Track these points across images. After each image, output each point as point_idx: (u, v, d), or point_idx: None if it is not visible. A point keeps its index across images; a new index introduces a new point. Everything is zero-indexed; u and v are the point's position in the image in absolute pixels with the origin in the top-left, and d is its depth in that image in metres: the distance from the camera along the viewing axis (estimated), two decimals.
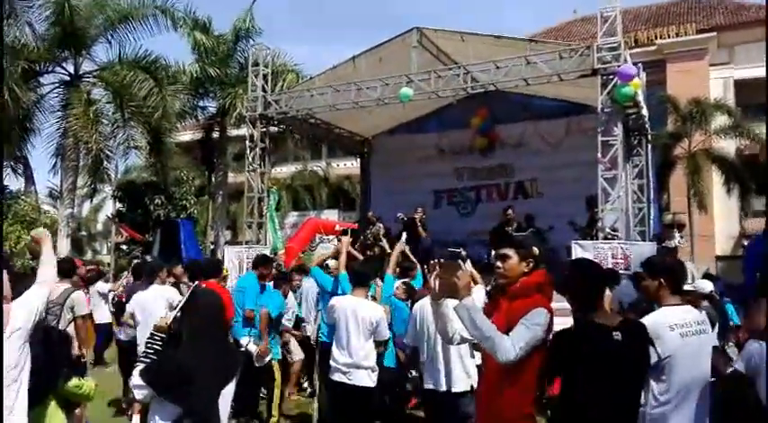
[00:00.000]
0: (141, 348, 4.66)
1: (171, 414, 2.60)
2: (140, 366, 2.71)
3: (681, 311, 3.16)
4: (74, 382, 3.41)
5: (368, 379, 4.85)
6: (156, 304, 6.01)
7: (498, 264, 2.98)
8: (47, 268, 3.23)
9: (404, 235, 7.76)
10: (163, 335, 2.84)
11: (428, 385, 4.56)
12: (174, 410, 2.59)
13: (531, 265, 2.94)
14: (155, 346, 2.82)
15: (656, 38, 20.21)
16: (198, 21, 18.72)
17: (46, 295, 3.04)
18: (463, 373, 4.38)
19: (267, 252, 11.59)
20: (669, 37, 20.08)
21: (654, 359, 2.94)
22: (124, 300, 7.29)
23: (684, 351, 3.01)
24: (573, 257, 9.48)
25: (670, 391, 2.99)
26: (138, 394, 2.64)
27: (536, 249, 3.00)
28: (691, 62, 19.41)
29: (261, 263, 6.81)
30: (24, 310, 2.82)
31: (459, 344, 3.33)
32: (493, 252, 3.08)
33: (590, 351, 2.69)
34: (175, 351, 2.72)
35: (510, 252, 2.94)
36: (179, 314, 2.82)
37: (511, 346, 2.63)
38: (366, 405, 4.96)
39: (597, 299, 2.85)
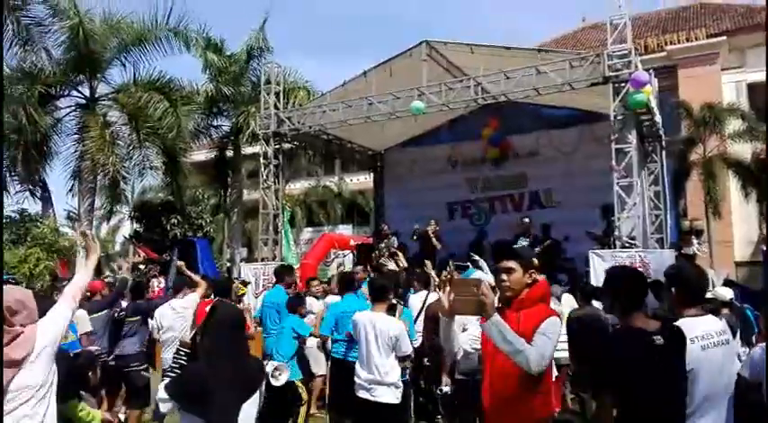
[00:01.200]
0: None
1: None
2: (166, 380, 2.75)
3: (702, 322, 3.02)
4: (75, 403, 3.39)
5: (391, 395, 4.80)
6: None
7: (503, 277, 3.01)
8: (74, 285, 3.14)
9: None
10: (187, 350, 2.89)
11: None
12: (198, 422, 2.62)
13: (534, 276, 3.01)
14: (180, 361, 2.87)
15: (666, 44, 20.12)
16: (210, 41, 18.99)
17: (70, 313, 3.00)
18: None
19: None
20: (679, 42, 20.00)
21: None
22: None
23: (706, 364, 2.91)
24: (591, 267, 9.44)
25: (692, 403, 2.91)
26: (163, 407, 2.71)
27: (535, 260, 3.09)
28: (702, 67, 19.29)
29: (285, 272, 6.90)
30: (50, 330, 2.82)
31: (459, 358, 3.39)
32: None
33: (632, 357, 2.69)
34: (195, 365, 2.76)
35: (514, 265, 2.99)
36: (200, 329, 2.87)
37: (541, 357, 2.73)
38: (389, 421, 4.93)
39: (638, 303, 2.87)
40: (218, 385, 2.63)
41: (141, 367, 6.80)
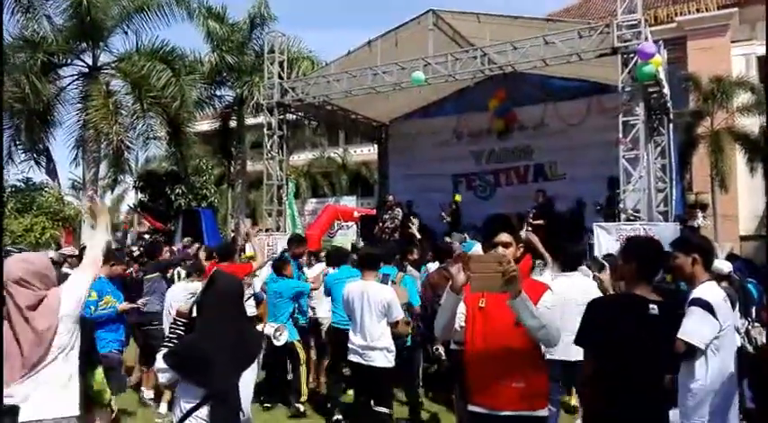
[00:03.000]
0: None
1: (194, 396, 2.67)
2: (163, 351, 2.77)
3: (721, 286, 3.37)
4: (99, 372, 3.44)
5: (384, 359, 4.96)
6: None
7: (501, 251, 2.96)
8: (93, 250, 3.22)
9: None
10: (185, 320, 2.91)
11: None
12: (197, 392, 2.65)
13: (522, 249, 3.02)
14: (177, 331, 2.89)
15: (675, 14, 19.76)
16: (212, 10, 18.76)
17: (91, 278, 3.08)
18: None
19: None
20: (689, 13, 19.63)
21: (716, 330, 3.06)
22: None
23: (731, 323, 3.22)
24: (595, 240, 9.44)
25: (724, 362, 3.12)
26: (162, 378, 2.74)
27: (522, 233, 3.17)
28: (712, 39, 18.95)
29: (294, 242, 7.01)
30: (72, 297, 2.89)
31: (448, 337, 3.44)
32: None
33: (624, 320, 2.78)
34: (195, 335, 2.78)
35: (510, 239, 2.97)
36: (199, 299, 2.87)
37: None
38: (384, 384, 5.08)
39: (651, 275, 2.94)
40: (218, 355, 2.64)
41: (161, 326, 6.84)
